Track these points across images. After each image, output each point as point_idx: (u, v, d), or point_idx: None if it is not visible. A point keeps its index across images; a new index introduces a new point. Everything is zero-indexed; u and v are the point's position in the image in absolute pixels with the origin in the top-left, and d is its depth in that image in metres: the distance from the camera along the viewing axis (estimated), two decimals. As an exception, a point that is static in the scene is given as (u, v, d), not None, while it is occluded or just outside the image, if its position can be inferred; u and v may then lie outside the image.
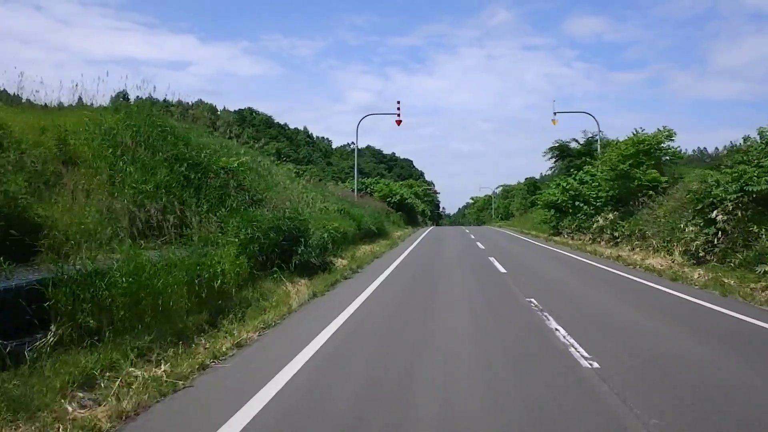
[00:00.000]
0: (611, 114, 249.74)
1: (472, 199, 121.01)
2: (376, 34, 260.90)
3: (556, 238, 26.04)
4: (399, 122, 23.85)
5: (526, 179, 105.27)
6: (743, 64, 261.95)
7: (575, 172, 26.59)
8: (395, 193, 44.34)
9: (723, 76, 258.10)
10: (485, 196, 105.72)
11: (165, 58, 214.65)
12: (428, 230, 43.45)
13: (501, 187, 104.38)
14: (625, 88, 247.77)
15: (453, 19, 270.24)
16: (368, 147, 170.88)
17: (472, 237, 29.90)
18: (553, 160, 35.57)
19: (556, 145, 34.42)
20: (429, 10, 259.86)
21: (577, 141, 33.33)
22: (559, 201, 25.26)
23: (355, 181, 26.02)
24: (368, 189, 42.12)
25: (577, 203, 23.40)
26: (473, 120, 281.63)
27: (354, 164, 29.82)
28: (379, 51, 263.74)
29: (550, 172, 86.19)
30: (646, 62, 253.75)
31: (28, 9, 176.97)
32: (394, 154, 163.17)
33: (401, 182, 68.89)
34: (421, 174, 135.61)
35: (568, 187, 24.41)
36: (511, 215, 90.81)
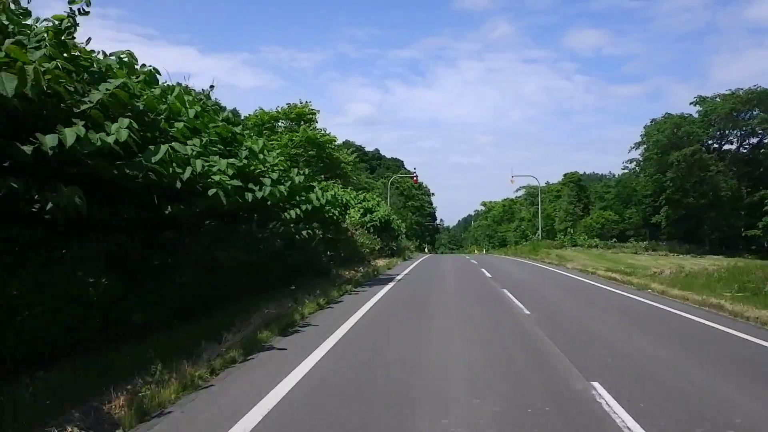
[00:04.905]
0: (610, 128, 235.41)
1: (483, 205, 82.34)
2: (376, 47, 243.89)
3: None
4: None
5: (564, 176, 70.95)
6: (743, 77, 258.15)
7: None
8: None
9: (723, 90, 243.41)
10: (504, 201, 69.45)
11: (165, 69, 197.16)
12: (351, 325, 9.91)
13: (522, 189, 69.79)
14: (624, 102, 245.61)
15: (453, 32, 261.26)
16: (346, 142, 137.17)
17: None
18: None
19: None
20: (429, 23, 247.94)
21: None
22: None
23: None
24: None
25: None
26: (473, 133, 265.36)
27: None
28: (379, 63, 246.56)
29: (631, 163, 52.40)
30: (646, 76, 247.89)
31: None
32: (378, 150, 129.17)
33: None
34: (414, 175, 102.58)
35: None
36: (556, 234, 56.76)
